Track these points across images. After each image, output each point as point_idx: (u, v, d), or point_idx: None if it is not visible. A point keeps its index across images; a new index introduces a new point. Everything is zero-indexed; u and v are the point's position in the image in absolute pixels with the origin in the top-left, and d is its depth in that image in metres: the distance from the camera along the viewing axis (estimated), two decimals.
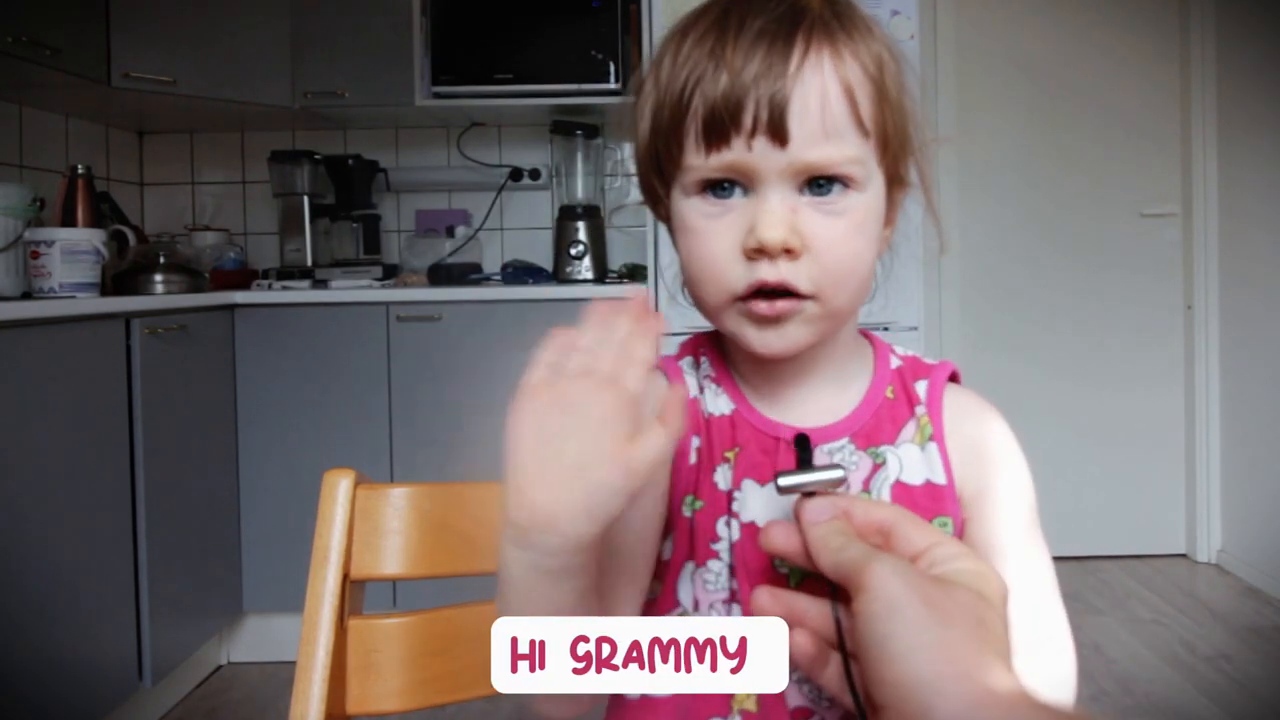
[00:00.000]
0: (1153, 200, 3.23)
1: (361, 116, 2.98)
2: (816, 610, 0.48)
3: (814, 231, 0.53)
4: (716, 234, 0.55)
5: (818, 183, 0.54)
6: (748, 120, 0.52)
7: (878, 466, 0.60)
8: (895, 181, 0.59)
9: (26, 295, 2.21)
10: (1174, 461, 3.26)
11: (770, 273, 0.53)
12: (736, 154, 0.53)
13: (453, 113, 2.94)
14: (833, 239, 0.54)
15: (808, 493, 0.49)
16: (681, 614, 0.59)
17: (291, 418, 2.54)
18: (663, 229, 0.70)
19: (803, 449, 0.53)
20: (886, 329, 2.37)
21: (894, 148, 0.57)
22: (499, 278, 2.88)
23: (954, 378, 0.64)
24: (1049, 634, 0.59)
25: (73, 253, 2.18)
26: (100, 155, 2.90)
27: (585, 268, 2.81)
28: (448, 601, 0.79)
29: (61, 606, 1.87)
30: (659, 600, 0.61)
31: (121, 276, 2.46)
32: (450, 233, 3.03)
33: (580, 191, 2.93)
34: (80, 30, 2.37)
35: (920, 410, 0.61)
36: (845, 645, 0.46)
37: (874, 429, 0.61)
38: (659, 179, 0.60)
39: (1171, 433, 3.25)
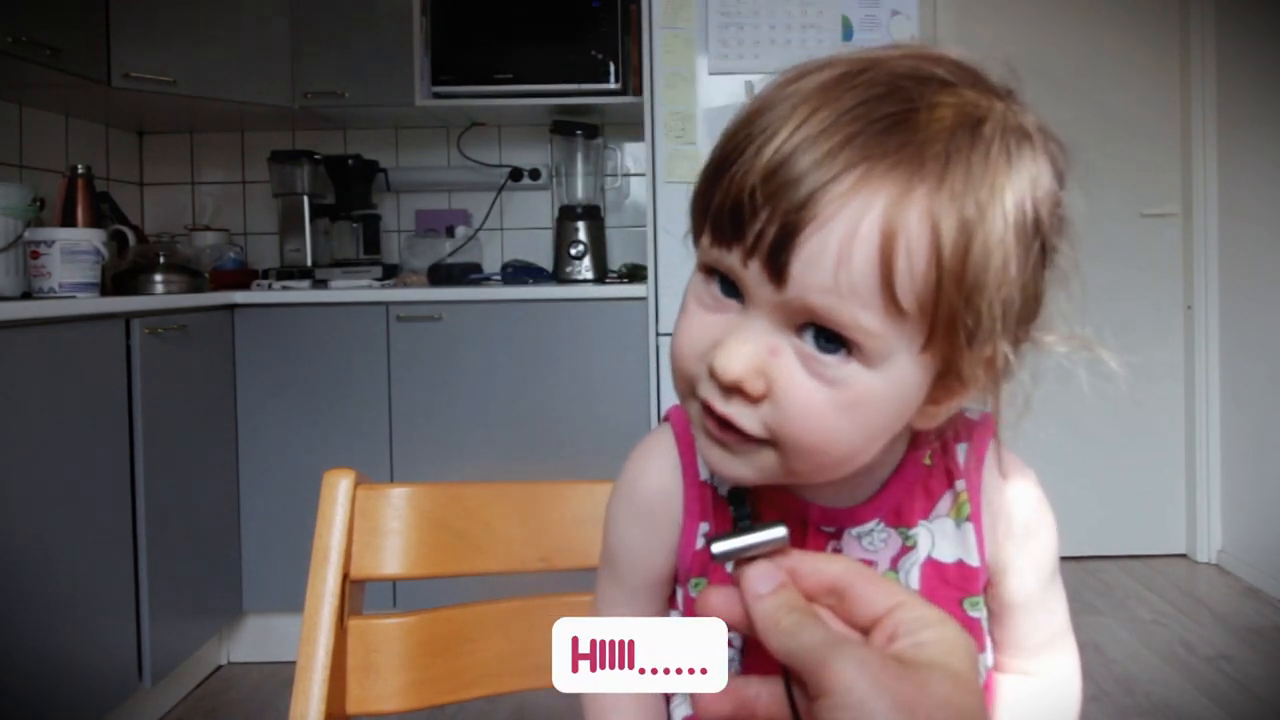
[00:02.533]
0: (1153, 200, 3.24)
1: (361, 116, 2.98)
2: (767, 699, 0.43)
3: (786, 386, 0.44)
4: (698, 328, 0.48)
5: (823, 334, 0.44)
6: (750, 235, 0.43)
7: (907, 549, 0.56)
8: (950, 373, 0.47)
9: (26, 295, 2.21)
10: (1174, 461, 3.26)
11: (716, 401, 0.46)
12: (735, 264, 0.45)
13: (453, 113, 2.94)
14: (807, 405, 0.44)
15: (747, 558, 0.43)
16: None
17: (291, 418, 2.54)
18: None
19: (738, 504, 0.46)
20: None
21: (946, 337, 0.44)
22: (499, 278, 2.88)
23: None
24: (1058, 678, 0.61)
25: (73, 253, 2.18)
26: (100, 155, 2.90)
27: (585, 268, 2.81)
28: (447, 601, 0.79)
29: (62, 606, 1.88)
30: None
31: (121, 276, 2.46)
32: (450, 233, 3.03)
33: (580, 191, 2.93)
34: (80, 30, 2.37)
35: (960, 486, 0.56)
36: None
37: (907, 505, 0.56)
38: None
39: (1171, 433, 3.26)
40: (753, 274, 0.44)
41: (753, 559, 0.43)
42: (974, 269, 0.43)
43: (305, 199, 2.86)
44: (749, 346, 0.44)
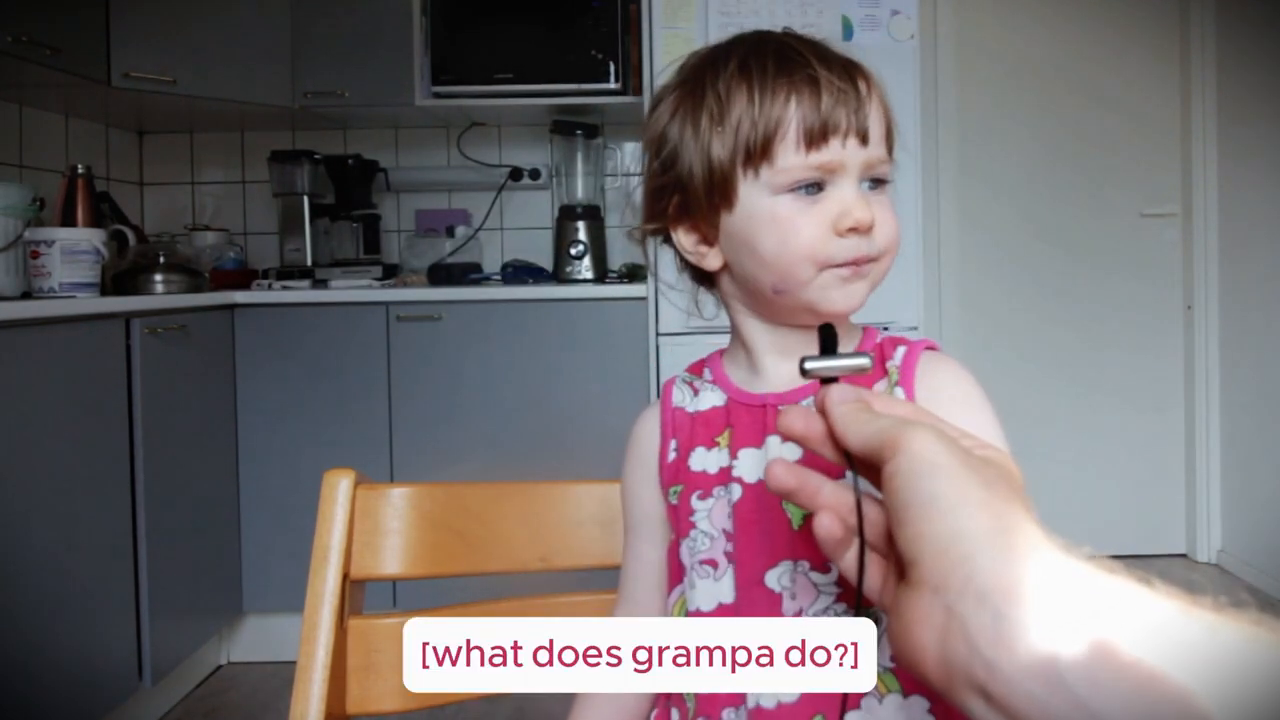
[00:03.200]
0: (1153, 200, 3.24)
1: (361, 116, 2.98)
2: (830, 489, 0.48)
3: (876, 214, 0.65)
4: (808, 215, 0.65)
5: (872, 181, 0.67)
6: (844, 124, 0.64)
7: None
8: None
9: (26, 295, 2.22)
10: (1174, 461, 3.26)
11: (859, 247, 0.65)
12: (833, 153, 0.64)
13: (453, 112, 2.95)
14: (886, 218, 0.66)
15: (828, 379, 0.49)
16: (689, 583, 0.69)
17: (291, 417, 2.55)
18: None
19: (827, 338, 0.52)
20: (886, 329, 2.37)
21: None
22: (499, 277, 2.89)
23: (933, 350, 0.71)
24: None
25: (72, 252, 2.19)
26: (100, 155, 2.91)
27: (585, 267, 2.81)
28: (447, 601, 0.80)
29: (62, 606, 1.88)
30: (670, 574, 0.71)
31: (121, 276, 2.46)
32: (450, 232, 3.03)
33: (580, 191, 2.93)
34: (80, 30, 2.37)
35: (890, 365, 0.68)
36: (863, 528, 0.45)
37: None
38: (709, 197, 0.68)
39: (1171, 433, 3.26)
40: (851, 147, 0.64)
41: (835, 380, 0.49)
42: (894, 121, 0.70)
43: (305, 199, 2.87)
44: (861, 199, 0.65)
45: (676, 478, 0.71)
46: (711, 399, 0.72)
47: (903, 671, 0.59)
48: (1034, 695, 0.34)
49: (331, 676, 0.72)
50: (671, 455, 0.72)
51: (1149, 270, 3.24)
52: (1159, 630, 0.33)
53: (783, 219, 0.65)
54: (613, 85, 2.75)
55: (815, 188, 0.65)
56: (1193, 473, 3.21)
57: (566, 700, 0.70)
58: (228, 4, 2.68)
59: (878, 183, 0.67)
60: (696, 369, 0.76)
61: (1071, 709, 0.33)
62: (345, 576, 0.75)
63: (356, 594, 0.78)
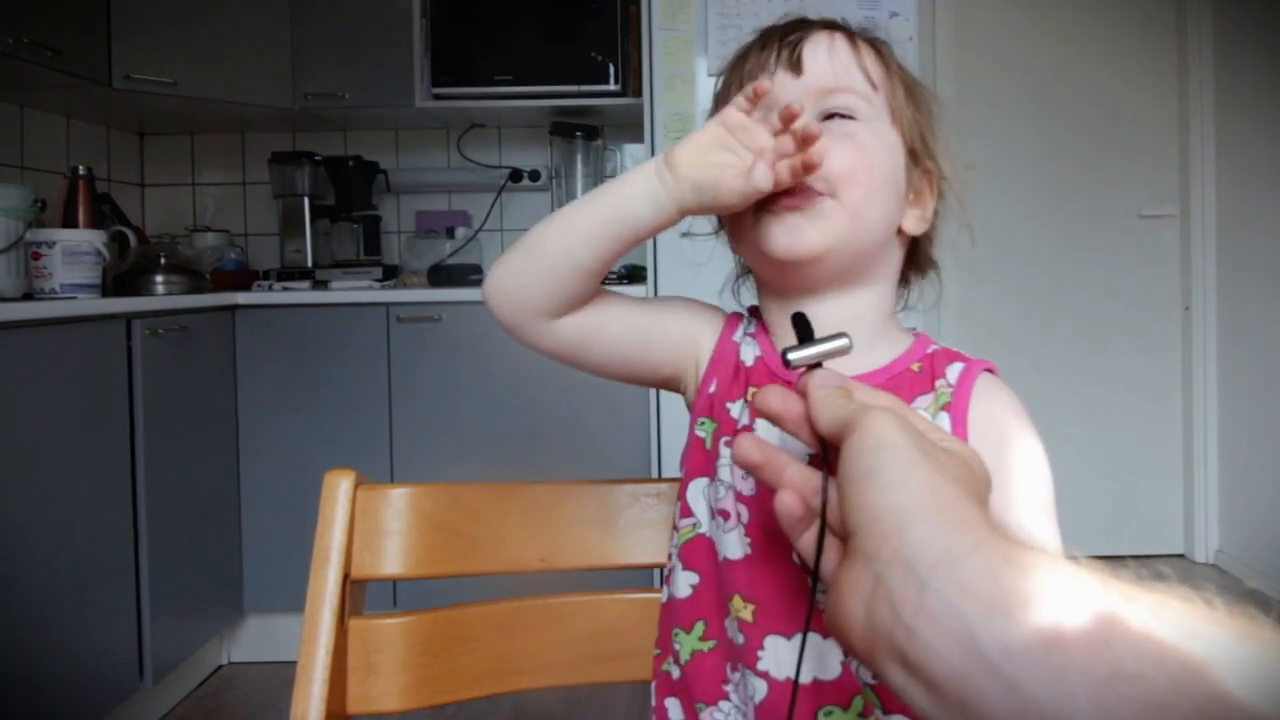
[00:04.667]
0: (1151, 201, 3.25)
1: (362, 118, 2.99)
2: (795, 469, 0.48)
3: (820, 145, 0.61)
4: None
5: (829, 114, 0.65)
6: (771, 61, 0.67)
7: None
8: (914, 156, 0.68)
9: (28, 296, 2.22)
10: (1172, 461, 3.27)
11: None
12: (761, 86, 0.63)
13: (453, 114, 2.96)
14: (842, 149, 0.63)
15: (814, 365, 0.50)
16: (694, 524, 0.69)
17: (292, 418, 2.55)
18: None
19: (802, 326, 0.53)
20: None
21: (905, 118, 0.68)
22: None
23: (991, 373, 0.69)
24: None
25: (74, 254, 2.20)
26: (101, 156, 2.91)
27: None
28: (447, 601, 0.80)
29: (63, 606, 1.89)
30: (678, 510, 0.71)
31: (122, 277, 2.47)
32: (450, 234, 3.03)
33: (580, 193, 2.94)
34: (82, 32, 2.38)
35: (941, 384, 0.65)
36: (825, 511, 0.45)
37: (887, 388, 0.64)
38: None
39: (1169, 433, 3.27)
40: (780, 77, 0.66)
41: (819, 366, 0.50)
42: (905, 80, 0.69)
43: (306, 200, 2.87)
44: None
45: (710, 411, 0.70)
46: (752, 351, 0.72)
47: (884, 689, 0.60)
48: (950, 662, 0.34)
49: (332, 676, 0.72)
50: (712, 387, 0.71)
51: (1147, 271, 3.25)
52: (1079, 604, 0.33)
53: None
54: (612, 87, 2.76)
55: None
56: (1190, 474, 3.22)
57: (567, 700, 0.70)
58: (228, 6, 2.69)
59: (840, 117, 0.65)
60: (749, 313, 0.76)
61: (986, 676, 0.33)
62: (346, 577, 0.75)
63: (357, 594, 0.77)
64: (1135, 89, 3.23)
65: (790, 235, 0.63)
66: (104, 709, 2.01)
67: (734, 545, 0.65)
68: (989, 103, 3.23)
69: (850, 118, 0.65)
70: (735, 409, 0.69)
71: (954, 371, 0.66)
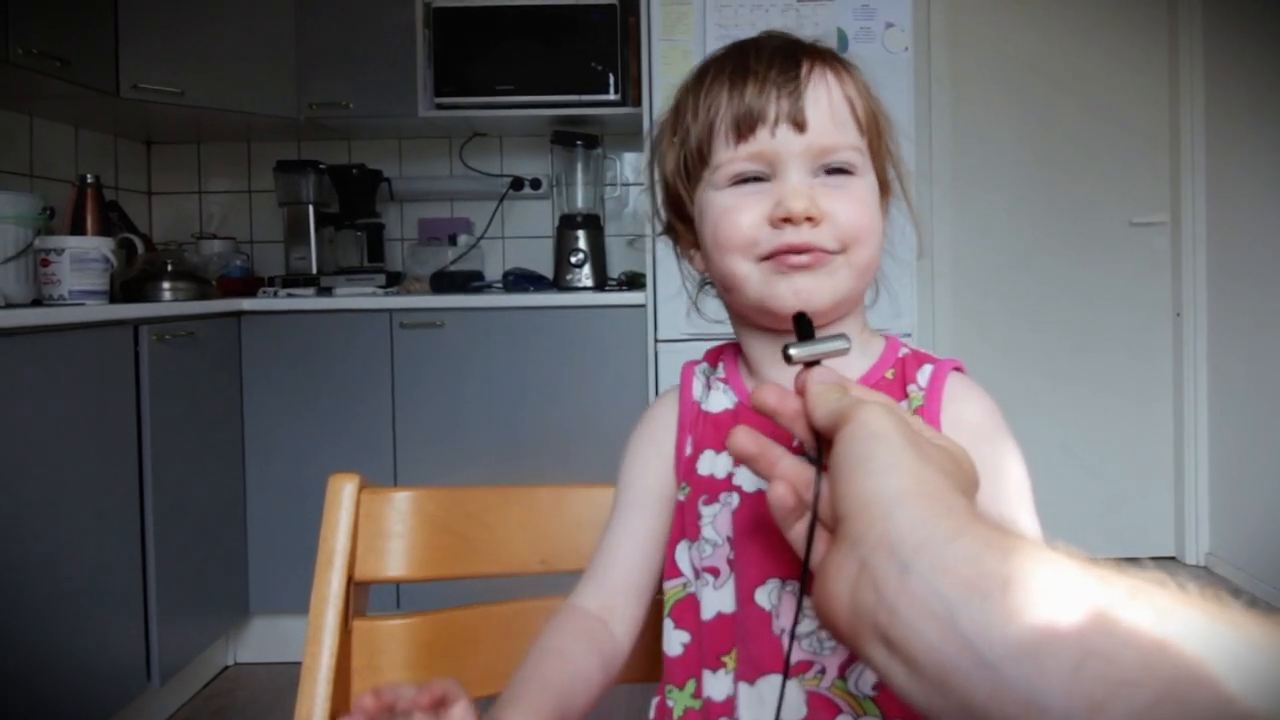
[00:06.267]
0: (1142, 209, 3.26)
1: (366, 127, 3.01)
2: (789, 461, 0.49)
3: (830, 205, 0.62)
4: (746, 207, 0.63)
5: (829, 170, 0.63)
6: (771, 112, 0.62)
7: None
8: (882, 183, 0.69)
9: (37, 302, 2.23)
10: (1163, 465, 3.28)
11: (795, 235, 0.61)
12: (762, 142, 0.63)
13: (455, 123, 2.98)
14: (847, 206, 0.63)
15: (811, 364, 0.51)
16: (684, 584, 0.68)
17: (296, 422, 2.56)
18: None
19: (803, 326, 0.54)
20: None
21: (880, 150, 0.67)
22: (500, 285, 2.91)
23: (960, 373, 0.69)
24: None
25: (82, 260, 2.21)
26: (109, 165, 2.93)
27: (585, 275, 2.84)
28: (450, 603, 0.81)
29: (72, 608, 1.90)
30: (665, 570, 0.70)
31: (130, 284, 2.47)
32: (452, 241, 3.05)
33: (580, 201, 2.96)
34: (90, 43, 2.39)
35: (913, 388, 0.65)
36: (816, 506, 0.47)
37: None
38: (684, 206, 0.68)
39: (1160, 436, 3.28)
40: (782, 134, 0.62)
41: (817, 364, 0.51)
42: (874, 104, 0.67)
43: (310, 208, 2.89)
44: (800, 187, 0.62)
45: (687, 477, 0.69)
46: (723, 400, 0.70)
47: (884, 699, 0.61)
48: (930, 641, 0.35)
49: (336, 677, 0.72)
50: (688, 450, 0.70)
51: (1139, 277, 3.27)
52: (1056, 587, 0.34)
53: (723, 211, 0.64)
54: (612, 96, 2.78)
55: (759, 180, 0.64)
56: (1181, 477, 3.24)
57: None
58: (235, 18, 2.70)
59: (842, 173, 0.64)
60: (713, 358, 0.74)
61: (963, 654, 0.34)
62: (350, 579, 0.75)
63: (361, 596, 0.78)
64: (1127, 99, 3.25)
65: (799, 296, 0.62)
66: (112, 709, 2.02)
67: (727, 599, 0.65)
68: (983, 111, 3.25)
69: (850, 173, 0.64)
70: (706, 461, 0.68)
71: (924, 375, 0.66)
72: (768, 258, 0.62)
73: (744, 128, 0.63)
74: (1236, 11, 3.01)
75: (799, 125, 0.62)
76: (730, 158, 0.63)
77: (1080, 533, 3.20)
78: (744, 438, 0.50)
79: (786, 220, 0.61)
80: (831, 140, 0.63)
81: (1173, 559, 3.26)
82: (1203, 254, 3.17)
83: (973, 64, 3.25)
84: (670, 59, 2.49)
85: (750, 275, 0.63)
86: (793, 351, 0.51)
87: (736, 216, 0.63)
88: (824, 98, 0.63)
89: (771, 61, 0.64)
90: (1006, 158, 3.26)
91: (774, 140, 0.62)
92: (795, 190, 0.61)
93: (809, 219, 0.61)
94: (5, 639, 1.73)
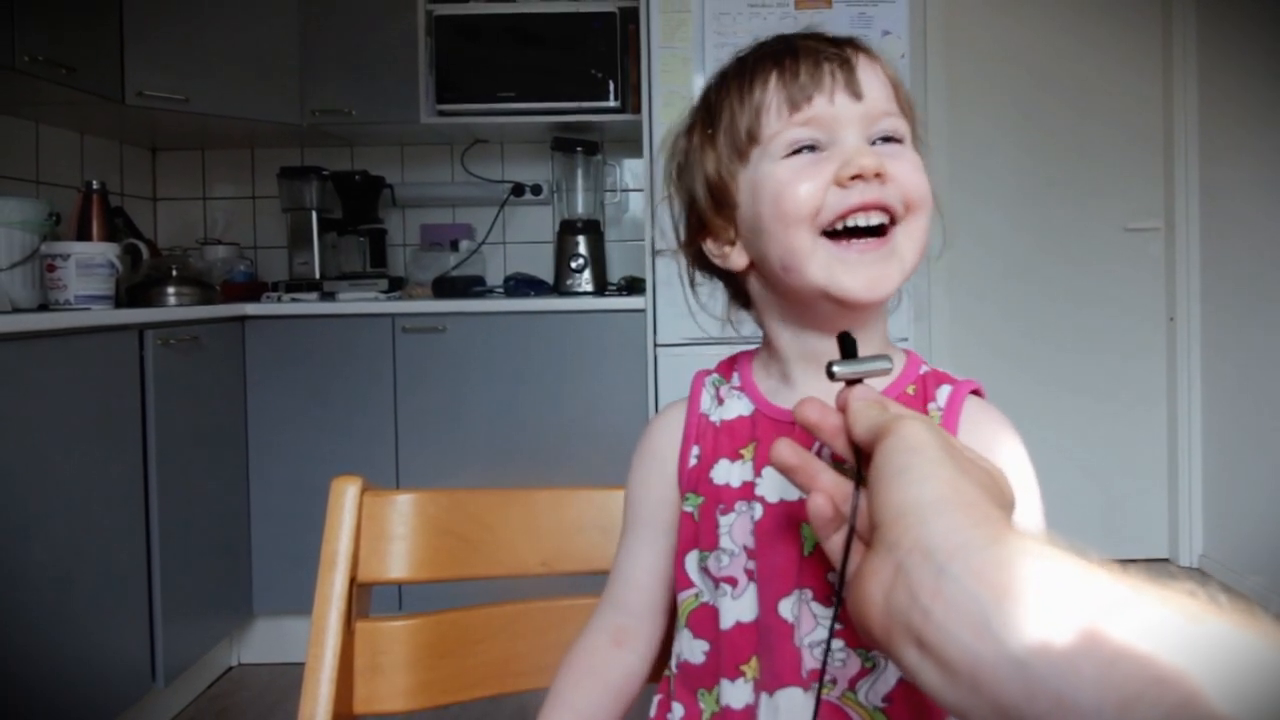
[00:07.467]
0: (1136, 215, 3.28)
1: (368, 134, 3.02)
2: (829, 475, 0.50)
3: (893, 167, 0.61)
4: (808, 176, 0.61)
5: (882, 139, 0.63)
6: (827, 82, 0.62)
7: None
8: None
9: (43, 307, 2.24)
10: (1157, 467, 3.29)
11: (868, 192, 0.60)
12: (819, 109, 0.62)
13: (457, 130, 2.99)
14: (907, 170, 0.62)
15: (853, 381, 0.52)
16: (696, 594, 0.68)
17: (300, 426, 2.57)
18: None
19: (847, 345, 0.54)
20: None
21: (915, 136, 0.67)
22: (501, 290, 2.92)
23: (978, 395, 0.68)
24: None
25: (87, 266, 2.22)
26: (114, 171, 2.94)
27: (585, 280, 2.84)
28: (452, 604, 0.82)
29: (77, 609, 1.90)
30: (676, 581, 0.70)
31: (135, 289, 2.48)
32: (454, 246, 3.05)
33: (580, 206, 2.97)
34: (96, 50, 2.41)
35: (933, 407, 0.65)
36: (854, 519, 0.47)
37: None
38: (716, 202, 0.67)
39: (1154, 439, 3.29)
40: (840, 102, 0.62)
41: (859, 382, 0.51)
42: (914, 105, 0.67)
43: (314, 214, 2.90)
44: (865, 145, 0.62)
45: (695, 487, 0.68)
46: (738, 408, 0.69)
47: (893, 711, 0.61)
48: (963, 643, 0.36)
49: (339, 677, 0.73)
50: (693, 461, 0.69)
51: (1132, 282, 3.28)
52: (1089, 591, 0.34)
53: (782, 180, 0.62)
54: (612, 103, 2.79)
55: (814, 149, 0.62)
56: (1175, 480, 3.25)
57: None
58: (239, 25, 2.72)
59: (891, 141, 0.63)
60: (726, 369, 0.73)
61: (996, 654, 0.34)
62: (352, 580, 0.76)
63: (363, 597, 0.78)
64: (1122, 106, 3.27)
65: (860, 280, 0.61)
66: (117, 709, 2.03)
67: (746, 609, 0.64)
68: (979, 118, 3.27)
69: (900, 141, 0.64)
70: (722, 470, 0.67)
71: (943, 394, 0.65)
72: (830, 229, 0.61)
73: (800, 99, 0.62)
74: (1230, 18, 3.03)
75: (855, 94, 0.62)
76: (786, 125, 0.62)
77: (1075, 535, 3.20)
78: (786, 450, 0.51)
79: (856, 178, 0.60)
80: (884, 107, 0.63)
81: (1166, 560, 3.28)
82: (1196, 259, 3.19)
83: (969, 72, 3.27)
84: (670, 66, 2.50)
85: (814, 253, 0.61)
86: (837, 369, 0.51)
87: (798, 185, 0.61)
88: (873, 74, 0.64)
89: (819, 41, 0.65)
90: (1002, 164, 3.28)
91: (833, 106, 0.62)
92: (861, 149, 0.61)
93: (877, 175, 0.60)
94: (11, 640, 1.74)
